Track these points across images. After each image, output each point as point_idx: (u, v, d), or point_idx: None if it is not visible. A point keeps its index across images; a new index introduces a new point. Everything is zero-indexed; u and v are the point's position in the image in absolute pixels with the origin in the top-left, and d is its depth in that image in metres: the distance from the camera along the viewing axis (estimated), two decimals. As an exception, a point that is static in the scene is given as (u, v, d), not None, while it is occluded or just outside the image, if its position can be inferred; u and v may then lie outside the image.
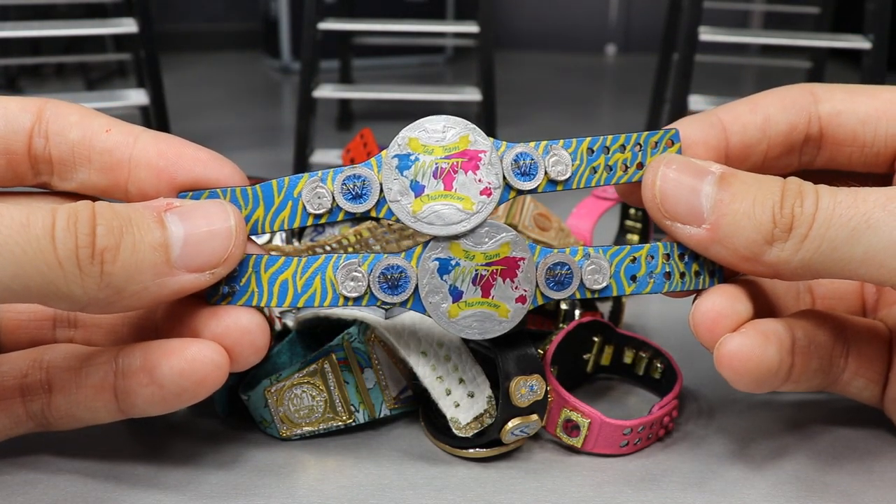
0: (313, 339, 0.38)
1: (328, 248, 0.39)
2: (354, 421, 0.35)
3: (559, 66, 1.82)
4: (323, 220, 0.30)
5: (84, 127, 0.30)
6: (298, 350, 0.37)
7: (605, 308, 0.44)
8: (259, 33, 1.89)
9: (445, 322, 0.30)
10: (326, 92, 0.81)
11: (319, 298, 0.30)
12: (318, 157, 0.80)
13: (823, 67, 1.08)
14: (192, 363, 0.28)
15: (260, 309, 0.30)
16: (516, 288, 0.31)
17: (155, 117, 0.74)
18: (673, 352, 0.39)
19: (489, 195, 0.30)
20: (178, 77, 1.53)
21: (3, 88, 1.41)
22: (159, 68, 0.73)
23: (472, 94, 0.82)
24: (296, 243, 0.41)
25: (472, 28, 0.80)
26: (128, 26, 0.72)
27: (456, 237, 0.30)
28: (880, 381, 0.34)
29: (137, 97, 0.74)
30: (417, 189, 0.30)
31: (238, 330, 0.29)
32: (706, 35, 0.71)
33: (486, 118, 0.81)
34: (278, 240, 0.43)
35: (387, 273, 0.30)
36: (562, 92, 1.49)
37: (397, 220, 0.30)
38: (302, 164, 0.80)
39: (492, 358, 0.33)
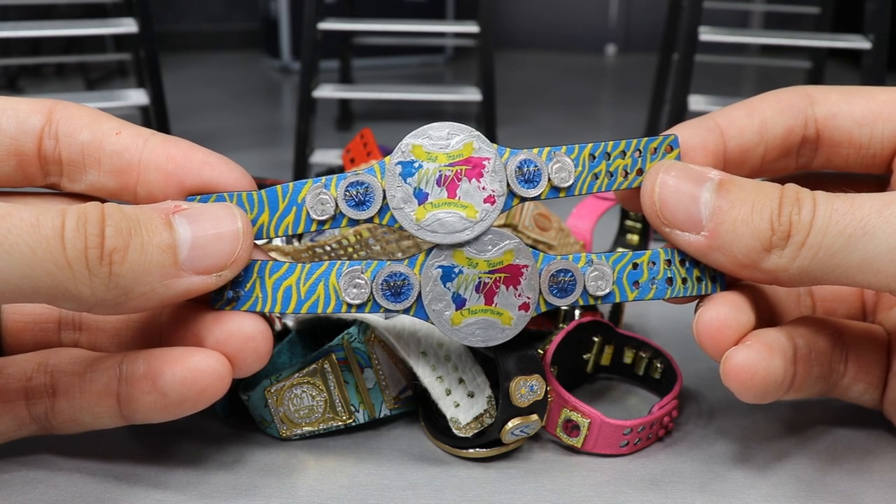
0: (313, 339, 0.38)
1: (328, 247, 0.39)
2: (354, 421, 0.35)
3: (559, 66, 1.82)
4: (327, 227, 0.30)
5: (94, 129, 0.30)
6: (298, 350, 0.37)
7: (605, 308, 0.44)
8: (259, 33, 1.89)
9: (449, 330, 0.30)
10: (326, 92, 0.81)
11: (322, 305, 0.30)
12: (318, 157, 0.80)
13: (823, 67, 1.08)
14: (195, 372, 0.28)
15: (262, 312, 0.30)
16: (519, 295, 0.31)
17: (155, 117, 0.74)
18: (673, 352, 0.39)
19: (493, 203, 0.30)
20: (178, 77, 1.53)
21: (3, 88, 1.41)
22: (159, 68, 0.73)
23: (472, 94, 0.82)
24: (296, 243, 0.41)
25: (472, 28, 0.80)
26: (128, 26, 0.72)
27: (459, 245, 0.30)
28: (879, 385, 0.34)
29: (137, 97, 0.74)
30: (421, 197, 0.30)
31: (241, 336, 0.29)
32: (706, 35, 0.71)
33: (486, 118, 0.81)
34: (278, 240, 0.43)
35: (390, 280, 0.30)
36: (562, 92, 1.49)
37: (400, 228, 0.30)
38: (302, 164, 0.80)
39: (492, 358, 0.33)
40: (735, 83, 1.59)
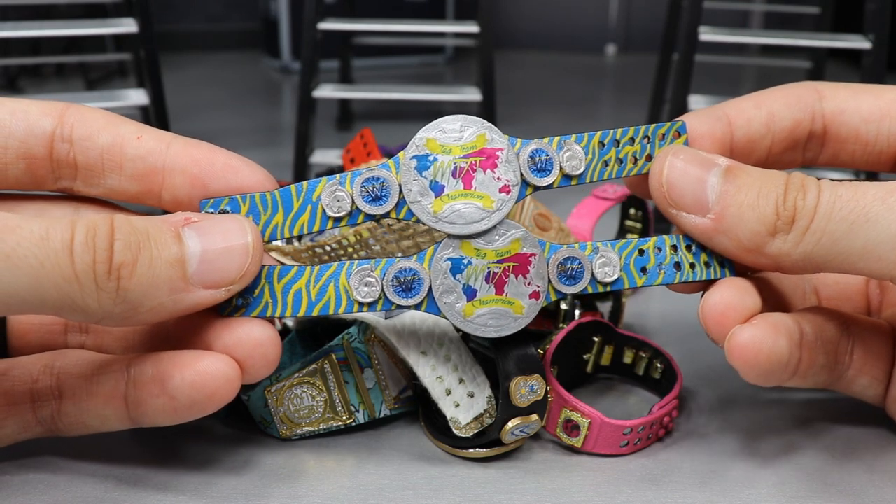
0: (313, 338, 0.38)
1: (328, 247, 0.39)
2: (354, 421, 0.35)
3: (559, 66, 1.82)
4: (343, 224, 0.30)
5: (113, 132, 0.29)
6: (298, 350, 0.37)
7: (605, 308, 0.44)
8: (259, 33, 1.89)
9: (461, 322, 0.31)
10: (326, 92, 0.81)
11: (334, 306, 0.30)
12: (318, 157, 0.80)
13: (823, 67, 1.08)
14: (204, 376, 0.28)
15: (270, 318, 0.30)
16: (529, 284, 0.31)
17: (155, 117, 0.74)
18: (673, 352, 0.39)
19: (508, 192, 0.30)
20: (178, 77, 1.53)
21: (3, 88, 1.41)
22: (159, 68, 0.73)
23: (472, 94, 0.82)
24: (296, 243, 0.41)
25: (472, 28, 0.80)
26: (128, 26, 0.72)
27: (470, 236, 0.30)
28: (884, 380, 0.34)
29: (137, 97, 0.74)
30: (437, 189, 0.30)
31: (250, 343, 0.29)
32: (706, 35, 0.71)
33: (486, 118, 0.81)
34: (279, 240, 0.43)
35: (400, 276, 0.30)
36: (562, 92, 1.49)
37: (418, 221, 0.30)
38: (302, 164, 0.80)
39: (492, 358, 0.33)
40: (735, 83, 1.59)
